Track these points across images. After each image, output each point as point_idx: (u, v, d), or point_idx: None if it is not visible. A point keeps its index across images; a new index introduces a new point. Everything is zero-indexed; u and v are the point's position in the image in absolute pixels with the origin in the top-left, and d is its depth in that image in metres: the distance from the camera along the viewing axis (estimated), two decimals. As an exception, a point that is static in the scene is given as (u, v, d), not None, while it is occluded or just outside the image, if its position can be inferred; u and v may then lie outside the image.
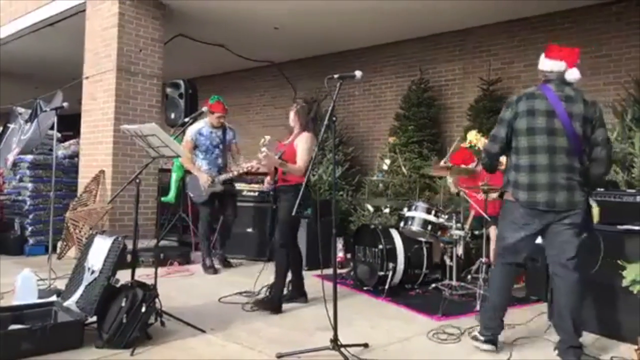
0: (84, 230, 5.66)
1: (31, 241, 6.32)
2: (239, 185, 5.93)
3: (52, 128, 5.63)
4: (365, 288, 4.64)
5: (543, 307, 3.89)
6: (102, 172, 6.15)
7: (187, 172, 5.70)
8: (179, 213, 6.75)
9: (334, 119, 3.06)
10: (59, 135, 6.26)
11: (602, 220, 3.48)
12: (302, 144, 3.92)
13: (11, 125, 7.65)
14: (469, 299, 4.22)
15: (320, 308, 3.10)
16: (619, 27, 5.84)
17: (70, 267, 3.68)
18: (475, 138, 3.67)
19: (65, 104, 4.74)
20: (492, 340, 3.08)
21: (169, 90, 6.80)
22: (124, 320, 2.97)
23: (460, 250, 4.50)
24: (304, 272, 4.21)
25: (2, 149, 7.46)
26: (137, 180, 3.46)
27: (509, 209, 3.04)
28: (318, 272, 4.91)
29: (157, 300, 3.21)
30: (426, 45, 7.54)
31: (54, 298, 3.53)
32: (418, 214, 4.55)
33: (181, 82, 6.77)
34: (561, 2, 6.01)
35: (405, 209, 4.73)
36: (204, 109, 5.09)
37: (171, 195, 6.72)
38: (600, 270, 3.41)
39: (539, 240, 3.08)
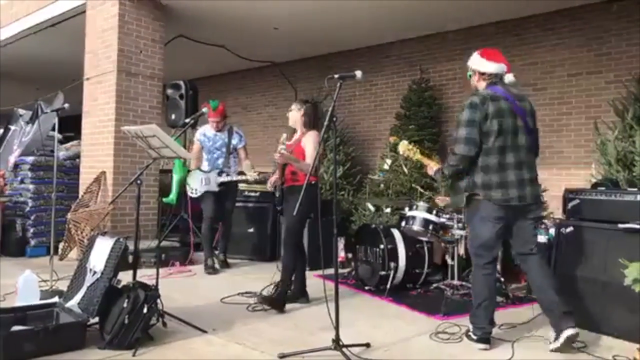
0: (86, 231, 5.66)
1: (33, 242, 6.33)
2: (240, 185, 5.93)
3: (53, 129, 5.64)
4: (366, 288, 4.64)
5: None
6: (103, 173, 6.15)
7: (189, 172, 5.71)
8: (180, 214, 6.75)
9: (334, 118, 3.07)
10: (60, 136, 6.27)
11: (604, 218, 3.48)
12: (310, 143, 3.97)
13: (12, 127, 7.65)
14: (471, 299, 4.20)
15: (322, 308, 3.10)
16: (619, 25, 5.83)
17: (72, 268, 3.69)
18: (407, 149, 3.48)
19: (66, 105, 4.75)
20: (485, 339, 3.12)
21: (169, 91, 6.80)
22: (126, 321, 2.97)
23: (461, 249, 4.50)
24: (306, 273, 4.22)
25: (4, 150, 7.47)
26: (138, 181, 3.46)
27: (480, 207, 3.10)
28: (319, 272, 4.89)
29: (158, 301, 3.21)
30: (426, 45, 7.54)
31: (55, 299, 3.53)
32: (419, 213, 4.54)
33: (182, 83, 6.77)
34: (562, 1, 6.00)
35: (407, 209, 4.72)
36: (204, 109, 5.10)
37: (172, 196, 6.72)
38: (601, 269, 3.42)
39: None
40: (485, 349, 3.10)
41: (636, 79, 5.00)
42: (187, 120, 5.24)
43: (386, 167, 6.64)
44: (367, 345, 3.08)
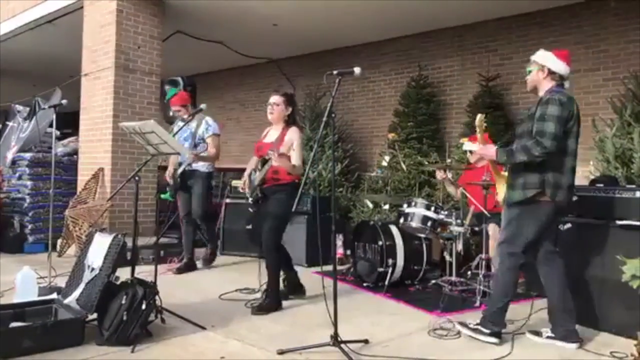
0: (84, 227, 5.66)
1: (31, 239, 6.32)
2: (235, 182, 5.91)
3: (50, 126, 5.63)
4: (365, 284, 4.64)
5: (543, 302, 3.89)
6: (101, 169, 6.15)
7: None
8: (178, 210, 6.74)
9: (333, 115, 3.06)
10: (58, 132, 6.25)
11: (603, 215, 3.49)
12: (297, 140, 3.84)
13: (10, 123, 7.64)
14: (469, 295, 4.23)
15: (321, 304, 3.10)
16: (617, 23, 5.83)
17: (70, 264, 3.68)
18: (482, 121, 3.32)
19: (64, 102, 4.74)
20: (498, 333, 3.13)
21: (167, 87, 6.79)
22: (125, 318, 2.97)
23: (459, 246, 4.50)
24: (303, 269, 4.22)
25: (1, 146, 7.45)
26: (137, 178, 3.46)
27: (541, 207, 3.05)
28: (318, 268, 4.91)
29: (157, 297, 3.21)
30: (425, 42, 7.53)
31: (54, 296, 3.53)
32: (417, 210, 4.55)
33: (180, 79, 6.76)
34: (560, -1, 6.01)
35: (405, 205, 4.73)
36: (203, 106, 5.09)
37: (170, 193, 6.71)
38: (599, 265, 3.43)
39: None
40: (496, 344, 3.10)
41: (634, 76, 5.00)
42: (185, 116, 5.23)
43: (384, 163, 6.64)
44: (366, 341, 3.09)
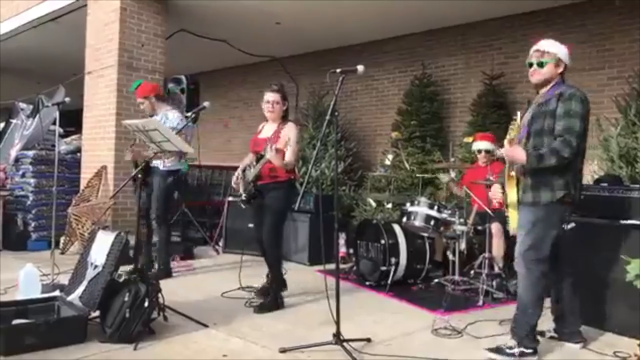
0: (87, 225, 5.68)
1: (34, 236, 6.33)
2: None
3: (54, 123, 5.63)
4: (367, 283, 4.64)
5: (546, 302, 3.87)
6: (105, 167, 6.16)
7: (188, 166, 5.67)
8: (181, 208, 6.76)
9: (336, 114, 3.05)
10: (61, 130, 6.27)
11: (607, 215, 3.47)
12: (294, 137, 3.77)
13: (13, 121, 7.66)
14: (472, 294, 4.22)
15: (323, 303, 3.10)
16: (622, 22, 5.80)
17: (73, 262, 3.69)
18: (517, 125, 3.15)
19: (67, 99, 4.74)
20: (537, 350, 2.93)
21: (170, 85, 6.79)
22: (127, 315, 2.97)
23: (462, 245, 4.49)
24: (306, 267, 4.22)
25: (5, 144, 7.47)
26: (139, 176, 3.46)
27: (565, 210, 2.93)
28: (320, 267, 4.90)
29: (160, 295, 3.21)
30: (428, 40, 7.51)
31: (57, 293, 3.53)
32: (420, 209, 4.54)
33: (183, 77, 6.76)
34: (564, -3, 5.98)
35: (408, 204, 4.72)
36: (206, 104, 5.07)
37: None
38: (603, 265, 3.41)
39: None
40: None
41: (639, 75, 4.97)
42: (188, 115, 5.22)
43: (388, 162, 6.63)
44: (368, 340, 3.09)
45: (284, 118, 3.97)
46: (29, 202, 6.41)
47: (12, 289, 3.96)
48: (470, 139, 5.34)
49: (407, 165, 6.45)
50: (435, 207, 4.52)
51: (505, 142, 2.86)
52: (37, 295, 3.59)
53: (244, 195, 3.90)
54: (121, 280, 3.21)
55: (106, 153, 6.22)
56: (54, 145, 5.84)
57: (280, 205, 3.80)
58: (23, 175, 6.58)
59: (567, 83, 3.02)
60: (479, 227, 4.58)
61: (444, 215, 4.50)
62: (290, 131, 3.81)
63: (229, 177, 7.38)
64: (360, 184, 7.22)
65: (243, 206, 4.01)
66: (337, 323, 2.90)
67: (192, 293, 4.23)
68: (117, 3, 6.21)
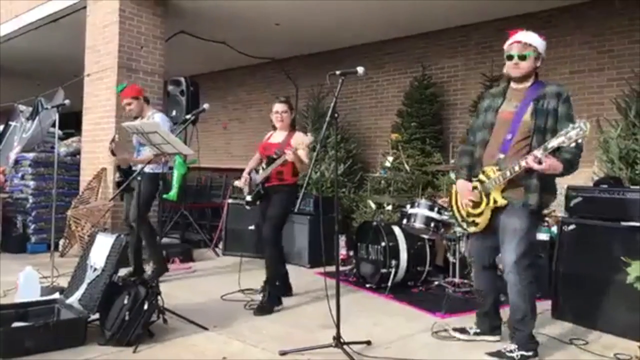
0: (86, 227, 5.66)
1: (33, 239, 6.32)
2: (238, 183, 5.88)
3: (53, 125, 5.63)
4: (367, 285, 4.63)
5: (546, 304, 3.88)
6: (104, 169, 6.15)
7: (188, 169, 5.66)
8: (181, 210, 6.75)
9: (335, 115, 3.05)
10: (61, 132, 6.26)
11: (607, 216, 3.47)
12: (307, 141, 3.82)
13: (13, 123, 7.64)
14: (472, 297, 4.20)
15: (323, 305, 3.09)
16: (622, 23, 5.80)
17: (73, 264, 3.68)
18: None
19: (66, 102, 4.74)
20: (537, 351, 2.91)
21: (170, 87, 6.79)
22: (127, 318, 2.97)
23: (463, 247, 4.49)
24: (306, 270, 4.22)
25: (4, 146, 7.45)
26: (139, 178, 3.46)
27: (542, 213, 3.01)
28: (320, 269, 4.90)
29: (159, 297, 3.21)
30: (428, 42, 7.51)
31: (56, 296, 3.53)
32: (421, 210, 4.53)
33: (182, 79, 6.76)
34: (564, -1, 5.98)
35: (408, 206, 4.71)
36: (205, 106, 5.06)
37: (173, 193, 6.71)
38: (603, 267, 3.40)
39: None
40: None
41: (639, 77, 4.98)
42: (187, 117, 5.18)
43: (387, 164, 6.62)
44: (368, 342, 3.08)
45: (292, 127, 4.20)
46: (28, 205, 6.40)
47: (11, 291, 3.95)
48: None
49: (407, 167, 6.44)
50: (436, 209, 4.51)
51: (538, 154, 2.61)
52: (37, 297, 3.59)
53: (249, 196, 4.10)
54: (120, 282, 3.21)
55: (105, 155, 6.20)
56: (53, 148, 5.83)
57: (284, 206, 3.96)
58: (22, 178, 6.57)
59: (546, 79, 2.99)
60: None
61: (444, 217, 4.49)
62: (303, 137, 3.91)
63: (229, 179, 7.41)
64: (360, 185, 7.22)
65: (247, 207, 4.17)
66: (337, 325, 2.89)
67: (192, 295, 4.22)
68: (116, 5, 6.20)
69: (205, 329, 3.31)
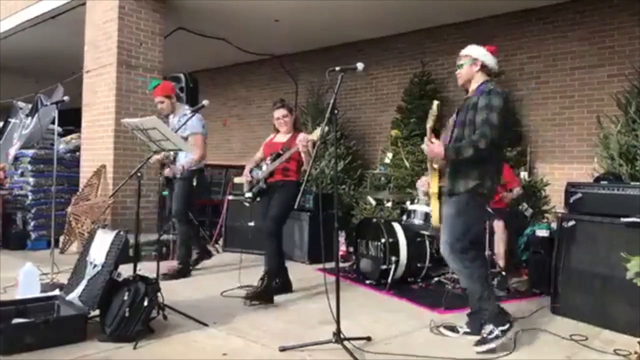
0: (86, 224, 5.67)
1: (33, 236, 6.32)
2: (238, 179, 5.89)
3: (53, 122, 5.62)
4: (367, 282, 4.63)
5: (545, 300, 3.89)
6: (104, 166, 6.15)
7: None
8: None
9: (335, 112, 3.05)
10: (60, 129, 6.25)
11: (607, 212, 3.47)
12: (314, 138, 3.93)
13: (12, 120, 7.64)
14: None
15: (323, 302, 3.09)
16: (622, 19, 5.79)
17: (73, 261, 3.68)
18: (437, 111, 3.37)
19: (66, 98, 4.73)
20: (510, 320, 3.01)
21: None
22: (127, 314, 2.97)
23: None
24: (305, 266, 4.24)
25: (4, 143, 7.45)
26: (139, 174, 3.45)
27: (480, 203, 3.08)
28: (320, 265, 4.89)
29: (159, 294, 3.21)
30: (428, 38, 7.50)
31: (56, 292, 3.53)
32: (420, 207, 4.53)
33: (182, 76, 6.75)
34: (564, -6, 5.97)
35: (408, 202, 4.71)
36: (205, 102, 5.06)
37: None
38: (603, 263, 3.41)
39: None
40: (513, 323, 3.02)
41: (639, 73, 4.97)
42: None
43: (387, 160, 6.62)
44: (368, 338, 3.08)
45: (296, 128, 4.32)
46: (28, 201, 6.40)
47: (11, 288, 3.95)
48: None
49: (406, 164, 6.44)
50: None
51: (426, 139, 3.12)
52: (37, 294, 3.59)
53: (249, 193, 4.18)
54: (120, 279, 3.20)
55: (105, 152, 6.21)
56: (52, 144, 5.83)
57: (287, 200, 4.03)
58: (22, 175, 6.57)
59: (492, 82, 3.14)
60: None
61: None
62: (308, 135, 4.00)
63: (229, 176, 7.40)
64: (360, 182, 7.22)
65: (247, 204, 4.26)
66: (337, 322, 2.89)
67: (192, 292, 4.22)
68: (115, 1, 6.19)
69: (206, 325, 3.31)
